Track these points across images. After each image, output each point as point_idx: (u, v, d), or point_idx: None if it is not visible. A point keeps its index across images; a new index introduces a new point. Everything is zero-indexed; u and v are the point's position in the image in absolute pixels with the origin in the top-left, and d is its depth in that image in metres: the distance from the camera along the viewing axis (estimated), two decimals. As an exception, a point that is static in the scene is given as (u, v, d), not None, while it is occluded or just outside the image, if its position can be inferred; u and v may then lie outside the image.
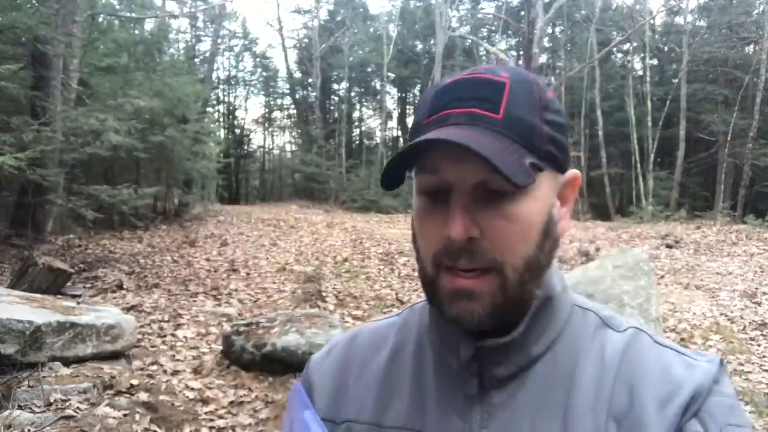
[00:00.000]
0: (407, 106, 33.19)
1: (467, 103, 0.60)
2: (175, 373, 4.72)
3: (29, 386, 3.78)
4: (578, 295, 0.73)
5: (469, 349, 0.64)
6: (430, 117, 0.62)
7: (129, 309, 6.46)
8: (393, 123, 32.34)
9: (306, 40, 30.49)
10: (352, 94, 32.05)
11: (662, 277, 8.65)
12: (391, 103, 31.89)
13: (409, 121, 32.35)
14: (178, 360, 5.08)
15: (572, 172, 0.67)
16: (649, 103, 21.25)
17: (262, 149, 35.37)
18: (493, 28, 28.75)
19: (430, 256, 0.62)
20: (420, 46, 30.38)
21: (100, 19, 12.02)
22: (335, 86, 32.30)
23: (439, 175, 0.60)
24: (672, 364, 0.63)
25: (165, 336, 5.79)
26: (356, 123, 33.33)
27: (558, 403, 0.62)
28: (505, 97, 0.60)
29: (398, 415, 0.67)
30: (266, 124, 34.68)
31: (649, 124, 21.08)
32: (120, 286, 7.64)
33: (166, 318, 6.38)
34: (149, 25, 15.09)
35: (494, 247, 0.59)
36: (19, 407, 3.50)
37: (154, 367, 4.81)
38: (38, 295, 5.30)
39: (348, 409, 0.70)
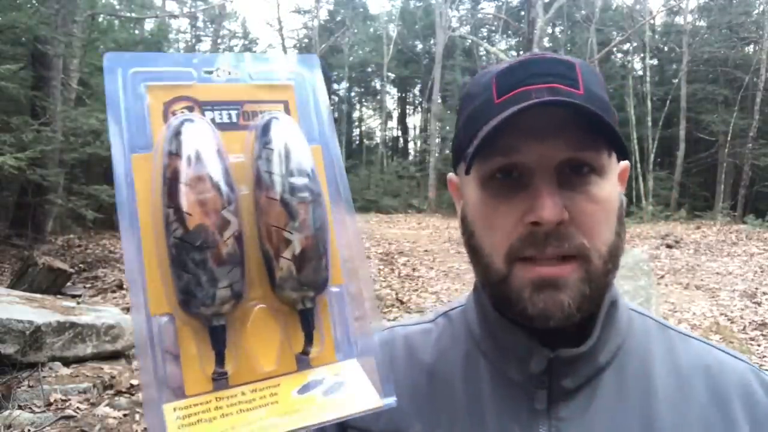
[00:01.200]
0: (407, 106, 33.20)
1: (546, 79, 0.56)
2: (175, 373, 4.72)
3: (29, 386, 3.78)
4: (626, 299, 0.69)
5: (542, 361, 0.59)
6: (502, 96, 0.57)
7: (129, 309, 6.46)
8: (393, 123, 32.37)
9: (306, 40, 30.49)
10: (352, 94, 32.06)
11: (662, 277, 8.65)
12: (391, 103, 31.91)
13: (410, 120, 32.40)
14: (178, 360, 5.08)
15: (625, 162, 0.63)
16: (649, 103, 21.24)
17: (262, 149, 35.32)
18: (493, 28, 28.75)
19: (503, 250, 0.57)
20: (420, 46, 30.38)
21: (100, 19, 12.01)
22: (335, 86, 32.30)
23: (517, 157, 0.56)
24: (758, 396, 0.60)
25: (165, 336, 5.79)
26: (356, 123, 33.33)
27: (635, 414, 0.58)
28: (579, 75, 0.57)
29: (451, 429, 0.62)
30: (266, 124, 34.64)
31: (649, 124, 21.08)
32: (120, 286, 7.64)
33: (166, 318, 6.38)
34: (149, 25, 15.10)
35: (582, 231, 0.55)
36: (19, 407, 3.50)
37: (154, 367, 4.81)
38: (38, 295, 5.30)
39: (389, 423, 0.65)
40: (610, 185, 0.58)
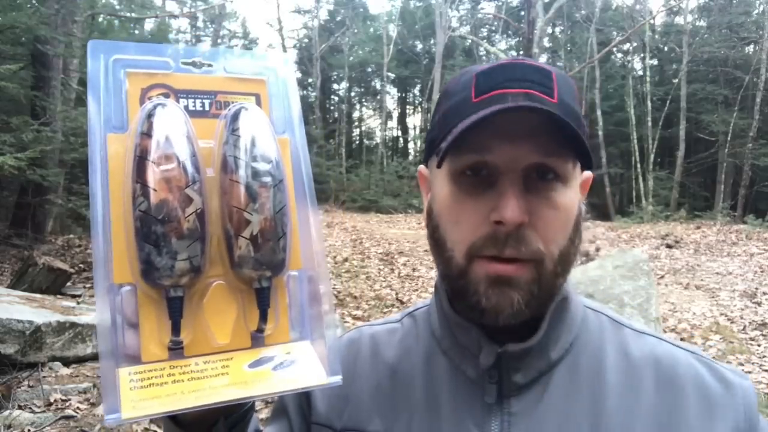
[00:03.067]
0: (407, 106, 33.20)
1: (523, 84, 0.58)
2: (175, 373, 4.72)
3: (29, 386, 3.78)
4: (582, 296, 0.71)
5: (490, 356, 0.61)
6: (479, 96, 0.58)
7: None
8: (393, 123, 32.37)
9: (306, 40, 30.50)
10: (352, 94, 32.06)
11: (662, 277, 8.65)
12: (391, 103, 31.92)
13: (410, 121, 32.40)
14: (178, 360, 5.08)
15: (588, 172, 0.65)
16: (649, 103, 21.24)
17: (262, 149, 35.32)
18: (493, 28, 28.76)
19: (464, 246, 0.59)
20: (420, 46, 30.38)
21: (100, 19, 12.01)
22: (335, 86, 32.31)
23: (488, 156, 0.57)
24: (708, 382, 0.61)
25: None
26: (356, 123, 33.32)
27: (585, 409, 0.60)
28: (555, 84, 0.58)
29: (409, 426, 0.64)
30: (266, 124, 34.64)
31: (649, 124, 21.08)
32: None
33: (166, 318, 6.38)
34: (149, 25, 15.10)
35: (539, 236, 0.57)
36: (19, 407, 3.50)
37: (154, 367, 4.81)
38: (38, 295, 5.30)
39: (350, 418, 0.67)
40: (571, 193, 0.60)
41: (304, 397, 0.71)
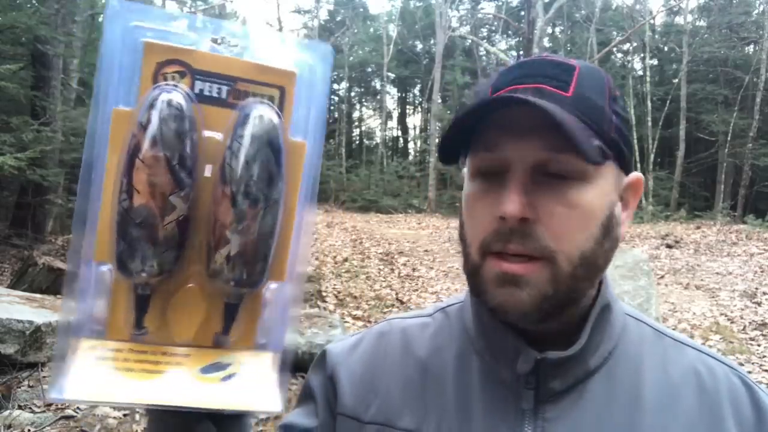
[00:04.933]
0: (407, 106, 33.20)
1: (536, 79, 0.57)
2: (175, 373, 4.72)
3: (29, 386, 3.78)
4: (625, 304, 0.69)
5: (528, 362, 0.60)
6: (494, 93, 0.58)
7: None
8: (393, 123, 32.37)
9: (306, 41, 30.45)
10: (352, 94, 32.06)
11: (662, 277, 8.65)
12: (391, 103, 31.92)
13: (410, 121, 32.40)
14: (178, 360, 5.08)
15: (635, 174, 0.63)
16: (649, 103, 21.24)
17: (262, 149, 35.31)
18: (493, 28, 28.76)
19: (477, 243, 0.58)
20: (420, 46, 30.38)
21: (100, 19, 12.02)
22: (335, 86, 32.30)
23: (497, 153, 0.57)
24: (743, 408, 0.60)
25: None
26: (356, 123, 33.33)
27: (621, 420, 0.59)
28: (575, 78, 0.57)
29: (439, 426, 0.63)
30: (266, 124, 34.64)
31: (649, 124, 21.07)
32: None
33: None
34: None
35: (549, 233, 0.55)
36: (19, 407, 3.50)
37: (154, 367, 4.81)
38: (38, 295, 5.30)
39: (378, 411, 0.66)
40: (594, 192, 0.57)
41: (331, 386, 0.70)
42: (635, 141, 20.52)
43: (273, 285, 0.54)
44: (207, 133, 0.51)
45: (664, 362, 0.63)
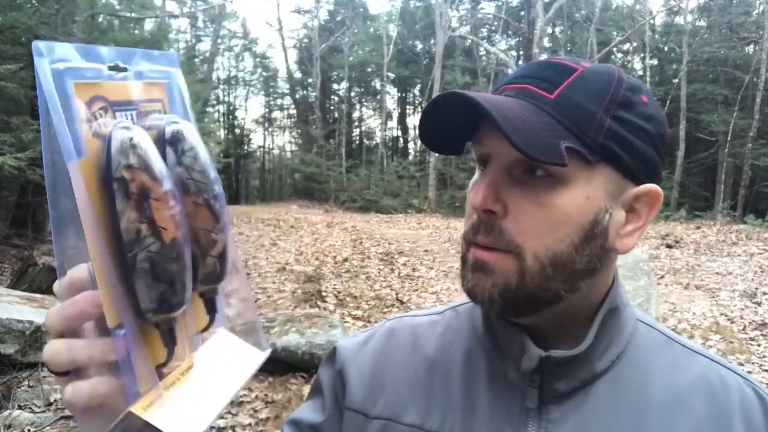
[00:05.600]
0: (407, 106, 33.20)
1: (525, 80, 0.58)
2: (175, 373, 4.72)
3: (29, 386, 3.78)
4: (639, 311, 0.69)
5: (533, 359, 0.60)
6: (494, 92, 0.61)
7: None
8: (393, 123, 32.37)
9: (306, 40, 30.51)
10: (352, 94, 32.07)
11: (662, 277, 8.65)
12: (391, 103, 31.91)
13: (410, 121, 32.40)
14: (178, 360, 5.08)
15: (649, 186, 0.59)
16: (649, 103, 21.21)
17: (261, 149, 35.41)
18: (493, 28, 28.76)
19: (464, 233, 0.61)
20: (420, 46, 30.38)
21: (100, 19, 12.02)
22: (335, 86, 32.31)
23: (482, 147, 0.60)
24: (756, 419, 0.60)
25: (165, 336, 5.79)
26: (356, 123, 33.33)
27: (626, 426, 0.59)
28: (567, 82, 0.57)
29: (443, 422, 0.63)
30: (266, 124, 34.73)
31: (649, 124, 21.05)
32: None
33: (166, 318, 6.38)
34: (149, 25, 15.11)
35: (515, 229, 0.56)
36: (19, 407, 3.50)
37: (154, 367, 4.82)
38: (38, 295, 5.30)
39: (385, 407, 0.67)
40: (570, 194, 0.56)
41: (339, 381, 0.71)
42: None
43: None
44: None
45: (673, 369, 0.63)
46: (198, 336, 0.56)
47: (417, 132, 0.61)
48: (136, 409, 0.48)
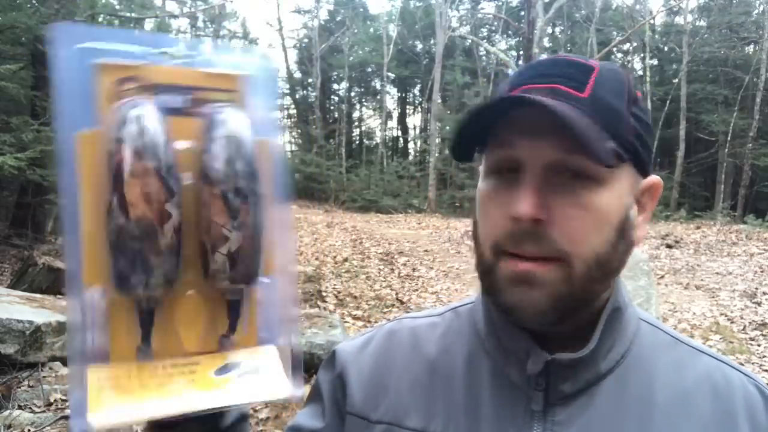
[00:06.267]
0: (407, 106, 33.20)
1: (552, 79, 0.56)
2: (175, 373, 4.71)
3: (29, 386, 3.78)
4: (641, 310, 0.68)
5: (538, 363, 0.59)
6: (511, 91, 0.58)
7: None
8: (393, 123, 32.37)
9: (306, 40, 30.50)
10: (352, 94, 32.06)
11: (662, 277, 8.65)
12: (391, 103, 31.92)
13: (410, 121, 32.40)
14: (178, 360, 5.08)
15: (653, 177, 0.62)
16: (649, 103, 21.23)
17: (262, 149, 35.27)
18: (493, 28, 28.75)
19: (490, 242, 0.58)
20: (420, 46, 30.37)
21: (100, 19, 12.02)
22: (335, 86, 32.31)
23: (511, 151, 0.56)
24: (760, 418, 0.60)
25: (165, 336, 5.78)
26: (356, 123, 33.32)
27: (631, 426, 0.58)
28: (592, 79, 0.56)
29: (447, 425, 0.63)
30: (266, 124, 34.61)
31: (649, 124, 21.06)
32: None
33: (166, 318, 6.37)
34: (149, 25, 15.10)
35: (563, 235, 0.55)
36: (19, 407, 3.50)
37: (154, 367, 4.81)
38: (38, 295, 5.30)
39: (386, 411, 0.66)
40: (608, 194, 0.56)
41: (340, 385, 0.70)
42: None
43: (265, 280, 0.55)
44: (177, 144, 0.52)
45: (677, 368, 0.62)
46: (227, 338, 0.54)
47: (454, 136, 0.57)
48: (91, 375, 0.48)
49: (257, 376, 0.52)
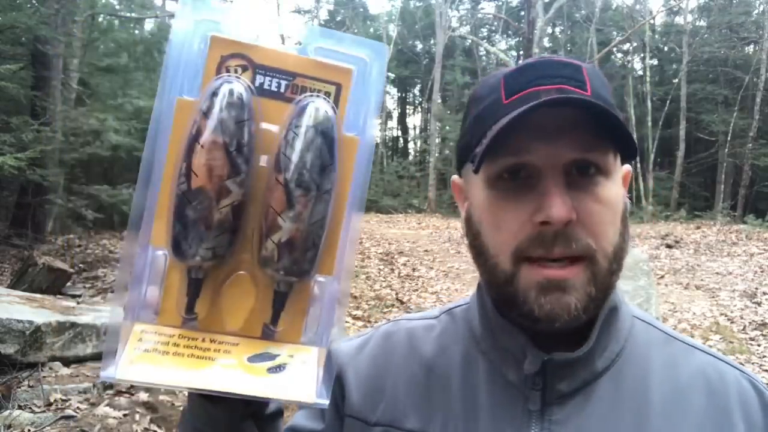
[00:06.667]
0: (407, 106, 33.19)
1: (555, 80, 0.57)
2: (175, 373, 4.71)
3: (29, 386, 3.78)
4: (634, 307, 0.69)
5: (535, 363, 0.59)
6: (510, 97, 0.58)
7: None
8: (393, 123, 32.36)
9: (306, 40, 30.45)
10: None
11: (662, 277, 8.65)
12: (391, 103, 31.89)
13: (410, 121, 32.38)
14: (178, 360, 5.08)
15: (627, 166, 0.64)
16: (649, 103, 21.24)
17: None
18: (493, 28, 28.75)
19: (509, 250, 0.57)
20: (420, 46, 30.37)
21: (100, 19, 12.02)
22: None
23: (526, 157, 0.56)
24: (754, 412, 0.60)
25: (165, 336, 5.78)
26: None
27: (628, 423, 0.59)
28: (587, 78, 0.58)
29: (445, 426, 0.63)
30: (266, 124, 34.67)
31: (649, 124, 21.07)
32: (120, 286, 7.62)
33: (166, 318, 6.37)
34: (149, 25, 15.10)
35: (589, 233, 0.55)
36: (19, 407, 3.50)
37: (154, 367, 4.81)
38: (38, 295, 5.30)
39: (384, 412, 0.66)
40: (615, 187, 0.58)
41: (338, 387, 0.70)
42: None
43: (321, 279, 0.55)
44: (264, 125, 0.53)
45: (672, 365, 0.63)
46: (271, 329, 0.53)
47: (487, 142, 0.56)
48: (135, 332, 0.49)
49: (288, 374, 0.52)
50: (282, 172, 0.50)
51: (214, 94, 0.50)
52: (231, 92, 0.50)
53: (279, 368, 0.52)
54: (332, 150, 0.52)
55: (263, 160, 0.53)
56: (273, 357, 0.52)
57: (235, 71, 0.52)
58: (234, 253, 0.53)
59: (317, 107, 0.52)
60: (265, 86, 0.53)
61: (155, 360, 0.49)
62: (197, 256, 0.49)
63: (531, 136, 0.55)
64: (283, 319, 0.53)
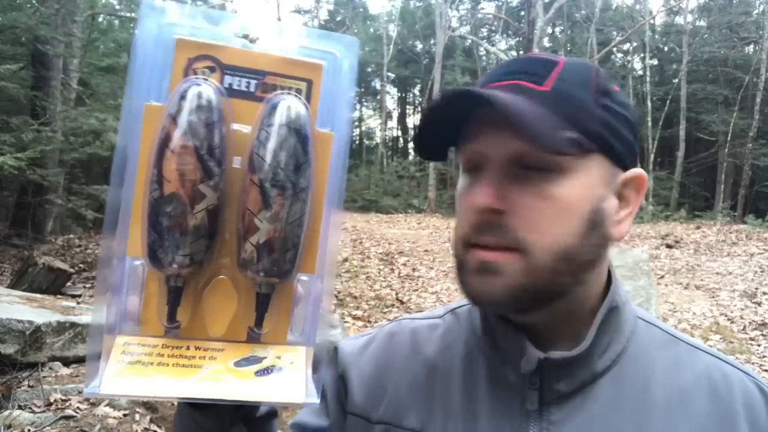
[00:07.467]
0: (407, 106, 33.19)
1: (516, 76, 0.58)
2: (175, 373, 4.71)
3: (29, 386, 3.78)
4: (638, 307, 0.68)
5: (531, 362, 0.59)
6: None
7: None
8: (393, 123, 32.37)
9: (306, 40, 30.45)
10: (352, 94, 32.00)
11: (662, 277, 8.65)
12: (391, 103, 31.92)
13: (410, 120, 32.38)
14: (178, 360, 5.08)
15: (635, 170, 0.62)
16: (649, 103, 21.24)
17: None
18: (493, 28, 28.75)
19: (459, 236, 0.59)
20: (420, 46, 30.37)
21: (100, 19, 12.01)
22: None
23: (477, 145, 0.58)
24: (760, 414, 0.59)
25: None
26: (356, 123, 33.32)
27: (629, 425, 0.58)
28: (555, 73, 0.57)
29: (445, 426, 0.63)
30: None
31: (649, 124, 21.07)
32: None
33: (166, 318, 6.37)
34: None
35: (522, 225, 0.55)
36: (19, 407, 3.50)
37: (154, 367, 4.81)
38: (38, 295, 5.30)
39: (386, 411, 0.67)
40: (572, 184, 0.56)
41: (342, 385, 0.71)
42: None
43: (304, 277, 0.54)
44: (236, 126, 0.52)
45: (675, 367, 0.62)
46: (256, 332, 0.53)
47: (415, 135, 0.60)
48: (118, 344, 0.49)
49: (276, 376, 0.51)
50: (256, 172, 0.50)
51: (182, 97, 0.49)
52: (199, 95, 0.49)
53: (267, 371, 0.51)
54: (306, 147, 0.51)
55: (237, 162, 0.52)
56: (260, 360, 0.52)
57: (203, 73, 0.51)
58: (213, 258, 0.52)
59: (288, 105, 0.51)
60: (235, 86, 0.52)
61: (140, 371, 0.48)
62: (174, 263, 0.49)
63: (482, 126, 0.57)
64: (268, 320, 0.53)
